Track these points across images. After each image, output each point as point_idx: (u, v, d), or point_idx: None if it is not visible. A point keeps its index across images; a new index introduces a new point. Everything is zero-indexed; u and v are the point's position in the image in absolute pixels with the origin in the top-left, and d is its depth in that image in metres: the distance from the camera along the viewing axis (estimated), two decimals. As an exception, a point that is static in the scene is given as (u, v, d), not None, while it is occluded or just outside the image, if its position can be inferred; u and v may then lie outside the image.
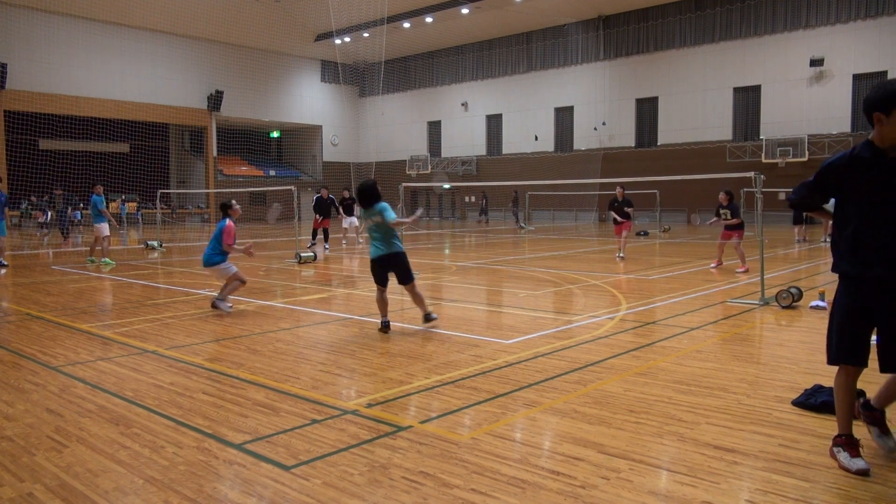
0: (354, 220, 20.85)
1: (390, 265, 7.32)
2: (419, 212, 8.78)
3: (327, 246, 19.29)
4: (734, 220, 12.82)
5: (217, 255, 8.77)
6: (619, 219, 15.25)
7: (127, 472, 3.60)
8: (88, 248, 15.98)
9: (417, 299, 7.52)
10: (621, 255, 15.34)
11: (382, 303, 7.37)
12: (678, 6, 35.01)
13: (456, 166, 43.69)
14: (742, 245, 12.92)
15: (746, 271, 12.44)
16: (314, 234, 19.59)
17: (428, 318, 7.48)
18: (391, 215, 7.19)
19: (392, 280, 7.42)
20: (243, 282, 8.92)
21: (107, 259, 15.26)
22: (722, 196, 12.98)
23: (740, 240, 12.91)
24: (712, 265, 13.37)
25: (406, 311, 8.87)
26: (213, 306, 8.69)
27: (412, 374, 5.52)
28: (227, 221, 8.83)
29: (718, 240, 13.47)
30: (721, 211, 12.98)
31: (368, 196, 7.28)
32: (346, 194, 21.21)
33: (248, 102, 42.67)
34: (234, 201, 9.03)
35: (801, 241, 20.04)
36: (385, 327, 7.29)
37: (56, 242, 23.01)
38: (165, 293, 10.75)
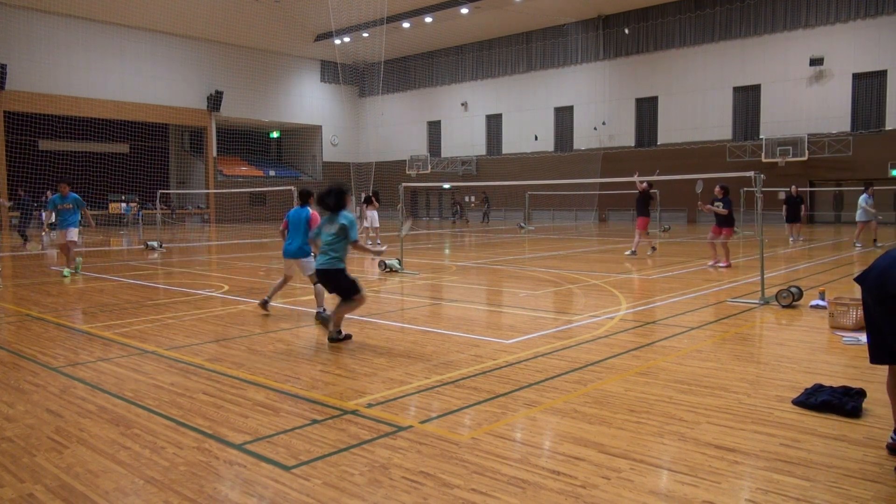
0: (375, 217, 20.56)
1: (327, 281, 6.63)
2: (384, 248, 8.16)
3: None
4: (723, 211, 13.11)
5: (308, 245, 8.11)
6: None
7: (127, 472, 3.60)
8: (65, 258, 13.30)
9: (341, 307, 6.69)
10: (632, 251, 15.57)
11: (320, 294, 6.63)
12: (678, 6, 35.02)
13: (456, 166, 43.69)
14: (728, 243, 13.22)
15: (728, 267, 12.85)
16: None
17: (333, 336, 6.65)
18: (355, 234, 6.53)
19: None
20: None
21: (67, 269, 13.07)
22: (717, 189, 13.33)
23: (727, 238, 13.19)
24: (712, 263, 13.37)
25: (406, 311, 8.87)
26: (321, 319, 7.79)
27: (412, 374, 5.52)
28: (311, 210, 8.21)
29: (709, 237, 13.61)
30: (715, 203, 13.28)
31: (337, 200, 6.53)
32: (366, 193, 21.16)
33: (247, 103, 42.68)
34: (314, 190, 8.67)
35: (795, 238, 20.02)
36: (322, 319, 6.72)
37: (16, 244, 22.58)
38: (165, 294, 10.75)
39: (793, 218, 20.24)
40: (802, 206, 20.46)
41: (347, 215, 6.51)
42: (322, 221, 6.65)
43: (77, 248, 13.50)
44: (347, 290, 6.61)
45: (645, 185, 15.29)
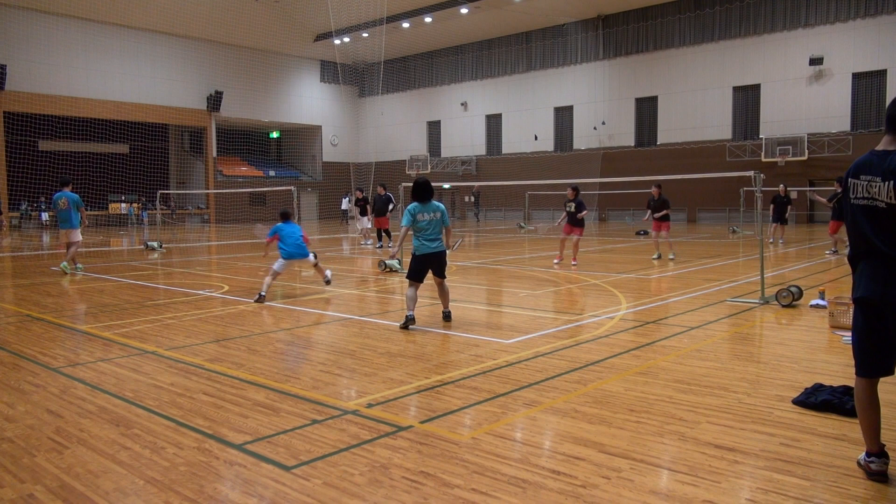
0: (366, 222, 20.65)
1: (434, 262, 7.65)
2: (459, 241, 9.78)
3: (381, 244, 19.11)
4: (582, 213, 13.85)
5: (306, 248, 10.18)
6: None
7: (127, 472, 3.60)
8: (66, 254, 13.59)
9: (444, 294, 7.90)
10: (657, 256, 15.36)
11: (413, 299, 7.58)
12: (677, 5, 35.01)
13: (456, 166, 43.68)
14: (581, 241, 14.26)
15: (561, 263, 13.96)
16: (379, 235, 19.22)
17: (447, 316, 7.88)
18: (448, 219, 7.75)
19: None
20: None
21: (79, 265, 13.78)
22: (569, 191, 14.13)
23: (580, 237, 14.09)
24: (555, 261, 14.44)
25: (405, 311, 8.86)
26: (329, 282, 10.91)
27: (412, 374, 5.52)
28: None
29: (561, 234, 14.45)
30: (567, 204, 14.01)
31: (430, 191, 7.65)
32: (360, 195, 21.20)
33: (247, 103, 42.67)
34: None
35: (775, 240, 19.42)
36: (412, 321, 7.45)
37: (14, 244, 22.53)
38: (165, 294, 10.75)
39: (779, 218, 19.60)
40: (789, 207, 19.81)
41: (440, 205, 7.64)
42: (415, 210, 7.50)
43: (74, 249, 13.63)
44: (444, 269, 7.77)
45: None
